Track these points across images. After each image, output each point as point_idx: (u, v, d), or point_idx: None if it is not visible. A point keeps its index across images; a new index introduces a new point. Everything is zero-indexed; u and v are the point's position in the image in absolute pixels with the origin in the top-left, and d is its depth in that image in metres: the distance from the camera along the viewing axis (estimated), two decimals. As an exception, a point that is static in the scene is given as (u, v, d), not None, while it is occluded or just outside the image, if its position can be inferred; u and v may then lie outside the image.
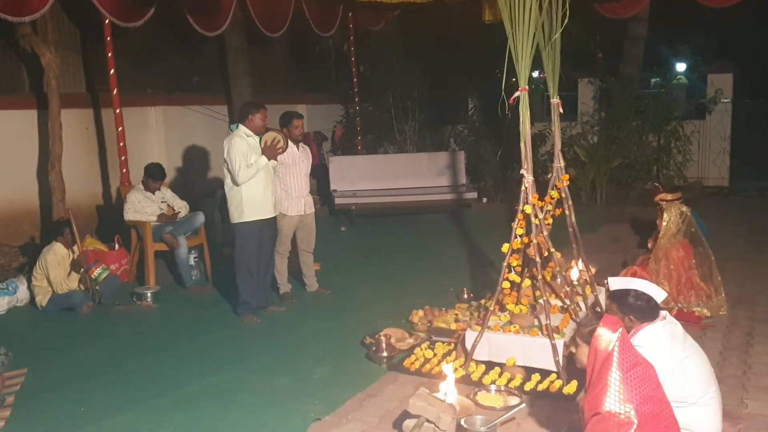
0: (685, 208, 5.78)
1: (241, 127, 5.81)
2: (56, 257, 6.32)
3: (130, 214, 7.07)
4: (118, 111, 7.57)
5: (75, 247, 6.46)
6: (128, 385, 4.61)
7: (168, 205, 7.26)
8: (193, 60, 10.68)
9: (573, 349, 3.22)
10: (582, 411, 3.00)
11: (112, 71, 7.45)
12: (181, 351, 5.26)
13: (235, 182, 5.70)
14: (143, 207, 7.07)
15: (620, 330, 2.91)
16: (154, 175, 7.17)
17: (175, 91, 10.12)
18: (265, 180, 5.80)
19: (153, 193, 7.18)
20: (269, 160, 5.81)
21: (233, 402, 4.29)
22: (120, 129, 7.62)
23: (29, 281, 6.45)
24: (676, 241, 5.65)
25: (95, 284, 6.40)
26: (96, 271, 6.45)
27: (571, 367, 4.24)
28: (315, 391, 4.41)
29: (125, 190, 7.48)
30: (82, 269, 6.36)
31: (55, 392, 4.52)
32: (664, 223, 5.71)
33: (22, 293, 6.49)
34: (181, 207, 7.29)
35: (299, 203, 6.27)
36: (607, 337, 2.91)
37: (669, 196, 6.19)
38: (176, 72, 10.41)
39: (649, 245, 6.29)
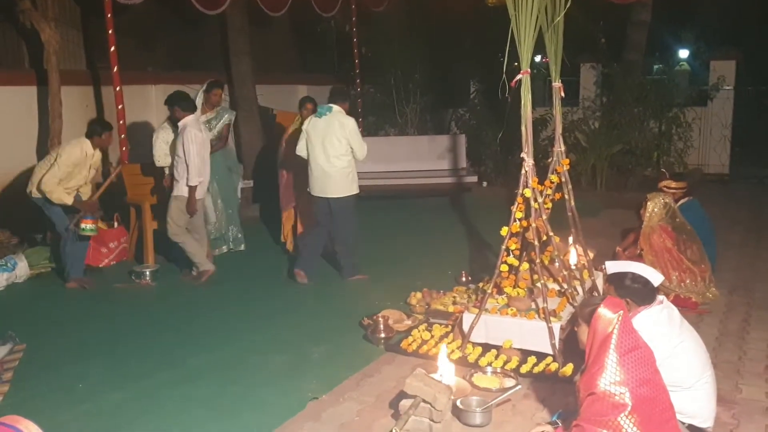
0: (668, 200, 5.76)
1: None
2: (79, 152, 6.07)
3: (162, 159, 6.66)
4: (118, 89, 7.52)
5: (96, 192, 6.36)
6: (126, 362, 4.63)
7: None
8: (194, 39, 10.62)
9: (575, 329, 3.23)
10: (578, 391, 3.02)
11: (112, 48, 7.40)
12: (179, 329, 5.28)
13: (357, 157, 6.39)
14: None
15: (621, 312, 2.92)
16: (180, 103, 6.30)
17: (176, 70, 10.07)
18: None
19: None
20: None
21: (231, 380, 4.32)
22: (120, 107, 7.58)
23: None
24: (657, 226, 5.65)
25: (77, 230, 6.19)
26: (87, 225, 6.21)
27: (567, 351, 4.27)
28: (313, 370, 4.44)
29: (125, 168, 7.46)
30: (81, 213, 6.18)
31: (54, 368, 4.54)
32: (648, 214, 5.70)
33: (20, 269, 6.50)
34: None
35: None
36: (607, 317, 2.92)
37: (673, 184, 6.19)
38: (177, 50, 10.36)
39: (619, 249, 6.27)
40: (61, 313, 5.77)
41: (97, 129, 6.22)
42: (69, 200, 6.14)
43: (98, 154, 6.32)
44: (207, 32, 10.58)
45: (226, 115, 7.44)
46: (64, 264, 6.37)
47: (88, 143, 6.19)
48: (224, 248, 7.52)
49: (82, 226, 6.21)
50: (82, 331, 5.27)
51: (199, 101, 6.95)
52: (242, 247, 7.60)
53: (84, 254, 6.50)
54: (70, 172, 6.13)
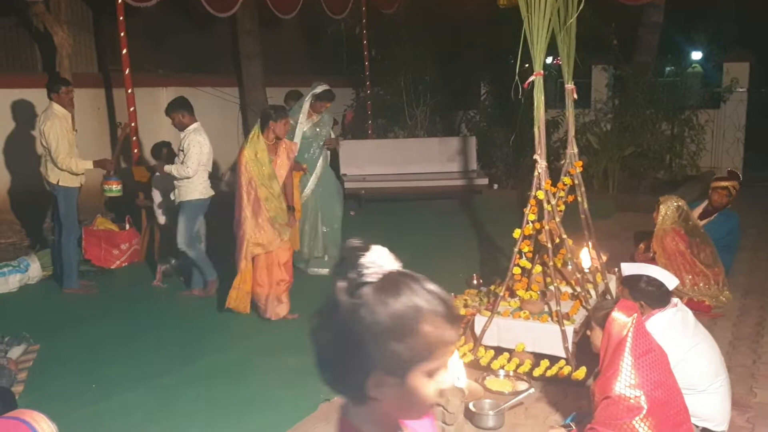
0: (681, 203, 5.73)
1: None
2: (57, 120, 5.80)
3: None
4: (129, 91, 7.57)
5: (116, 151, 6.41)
6: (139, 362, 4.65)
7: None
8: (205, 41, 10.67)
9: (588, 333, 3.22)
10: (593, 395, 3.01)
11: (124, 51, 7.45)
12: (191, 329, 5.30)
13: None
14: None
15: (635, 315, 2.91)
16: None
17: (187, 72, 10.12)
18: None
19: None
20: None
21: (244, 380, 4.33)
22: (132, 109, 7.63)
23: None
24: (670, 229, 5.61)
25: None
26: (111, 186, 6.15)
27: (580, 354, 4.25)
28: (324, 372, 4.42)
29: (137, 170, 7.49)
30: (104, 173, 6.11)
31: (67, 368, 4.57)
32: (660, 217, 5.67)
33: (33, 271, 6.52)
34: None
35: None
36: (621, 321, 2.91)
37: (722, 183, 6.22)
38: (188, 53, 10.41)
39: (642, 246, 6.23)
40: (74, 314, 5.79)
41: (53, 86, 6.02)
42: (89, 164, 6.02)
43: (68, 114, 6.09)
44: (218, 35, 10.63)
45: (329, 119, 7.13)
46: (54, 265, 6.41)
47: (55, 106, 5.95)
48: (324, 271, 6.69)
49: (105, 188, 6.21)
50: (94, 331, 5.30)
51: (306, 105, 6.75)
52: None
53: (76, 261, 6.30)
54: (70, 141, 5.95)
